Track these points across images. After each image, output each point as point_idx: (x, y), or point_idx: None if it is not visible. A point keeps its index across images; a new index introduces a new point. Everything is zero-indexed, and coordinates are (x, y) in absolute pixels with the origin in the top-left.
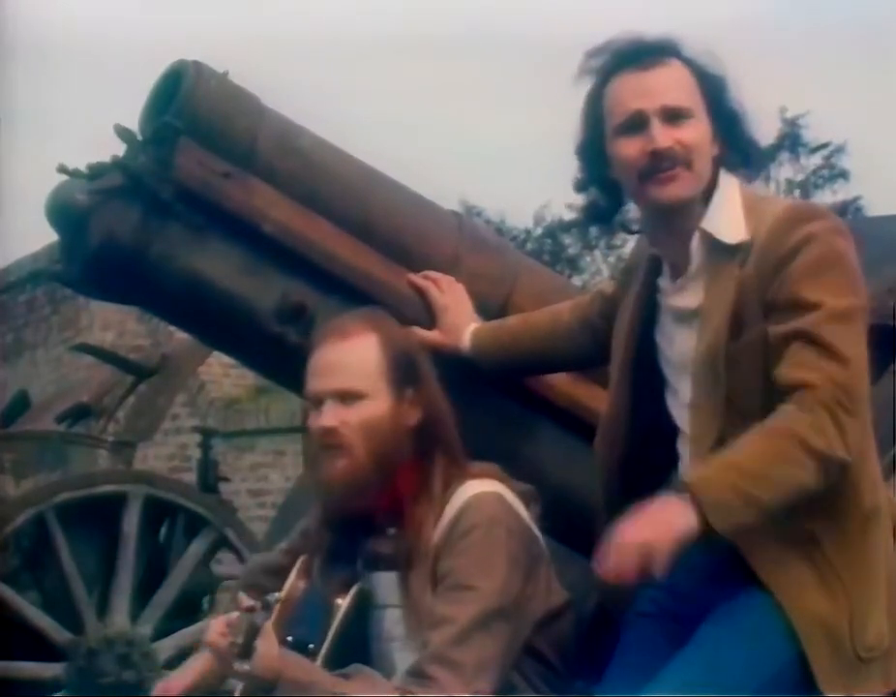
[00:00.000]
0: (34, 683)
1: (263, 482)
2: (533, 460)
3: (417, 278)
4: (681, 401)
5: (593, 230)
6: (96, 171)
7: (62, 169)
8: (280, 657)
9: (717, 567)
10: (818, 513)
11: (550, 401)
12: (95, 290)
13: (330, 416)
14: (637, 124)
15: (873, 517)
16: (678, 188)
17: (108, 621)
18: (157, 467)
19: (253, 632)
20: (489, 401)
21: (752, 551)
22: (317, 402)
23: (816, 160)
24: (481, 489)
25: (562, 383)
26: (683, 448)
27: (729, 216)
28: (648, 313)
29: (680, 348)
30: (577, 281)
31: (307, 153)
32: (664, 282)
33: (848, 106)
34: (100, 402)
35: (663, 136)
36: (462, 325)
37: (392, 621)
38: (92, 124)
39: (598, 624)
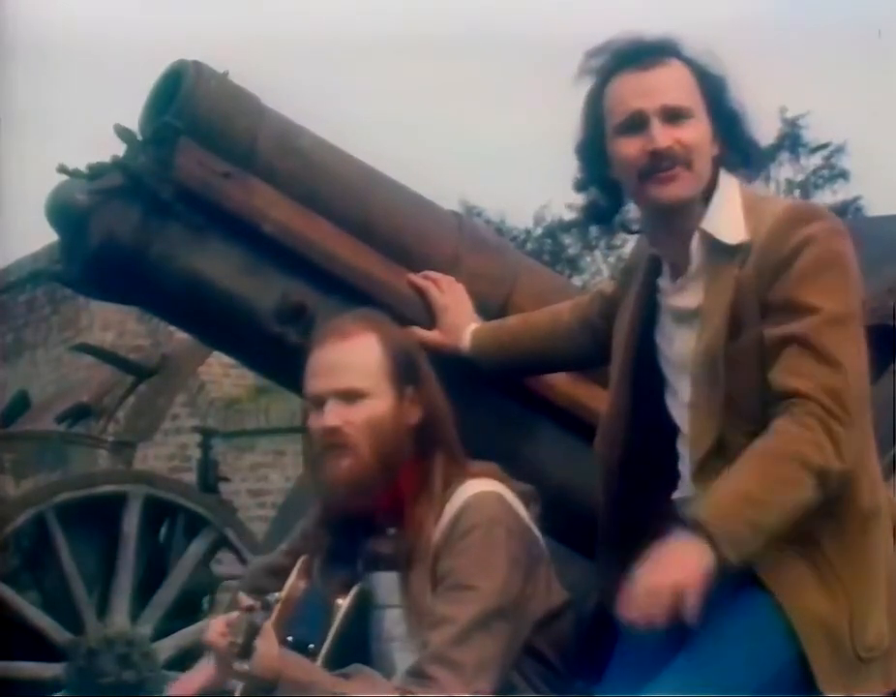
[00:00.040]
0: (34, 683)
1: (263, 482)
2: (533, 460)
3: (417, 278)
4: (681, 401)
5: (593, 230)
6: (96, 171)
7: (62, 169)
8: (280, 657)
9: None
10: (817, 514)
11: (550, 401)
12: (95, 290)
13: (333, 416)
14: (637, 124)
15: (873, 517)
16: (678, 188)
17: (108, 621)
18: (157, 467)
19: (253, 632)
20: (489, 401)
21: None
22: (319, 402)
23: (816, 160)
24: (481, 489)
25: (562, 383)
26: (683, 448)
27: (729, 216)
28: (648, 313)
29: (680, 348)
30: (577, 281)
31: (307, 153)
32: (664, 282)
33: (848, 106)
34: (100, 402)
35: (663, 135)
36: (463, 325)
37: (392, 621)
38: (92, 124)
39: (598, 624)
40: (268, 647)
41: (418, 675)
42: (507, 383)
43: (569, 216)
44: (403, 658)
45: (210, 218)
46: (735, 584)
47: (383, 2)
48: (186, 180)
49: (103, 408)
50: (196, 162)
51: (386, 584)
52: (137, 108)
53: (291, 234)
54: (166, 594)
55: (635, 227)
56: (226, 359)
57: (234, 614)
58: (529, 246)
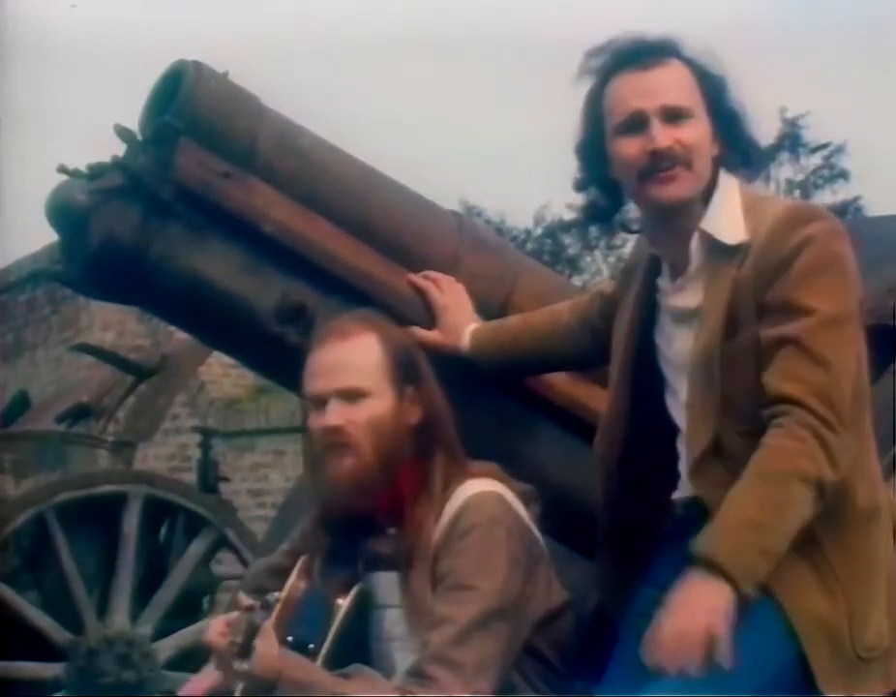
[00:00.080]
0: (34, 683)
1: (263, 482)
2: (533, 460)
3: (417, 278)
4: (680, 401)
5: (593, 230)
6: (96, 171)
7: (62, 169)
8: (279, 657)
9: None
10: (817, 515)
11: (550, 401)
12: (95, 290)
13: (335, 415)
14: (637, 124)
15: (873, 517)
16: (678, 188)
17: (108, 621)
18: (157, 467)
19: (252, 632)
20: (489, 401)
21: None
22: (320, 402)
23: (816, 160)
24: (481, 489)
25: (562, 383)
26: (683, 448)
27: (728, 216)
28: (648, 313)
29: (679, 348)
30: (577, 281)
31: (307, 153)
32: (663, 282)
33: (848, 106)
34: (100, 402)
35: (663, 135)
36: (462, 325)
37: (392, 621)
38: (92, 124)
39: (598, 624)
40: (268, 647)
41: (418, 675)
42: (507, 383)
43: (569, 216)
44: (403, 658)
45: (210, 218)
46: None
47: (383, 2)
48: (186, 180)
49: (103, 408)
50: (196, 162)
51: (386, 584)
52: (137, 108)
53: (291, 234)
54: (166, 594)
55: (635, 226)
56: (226, 359)
57: (234, 614)
58: (529, 246)
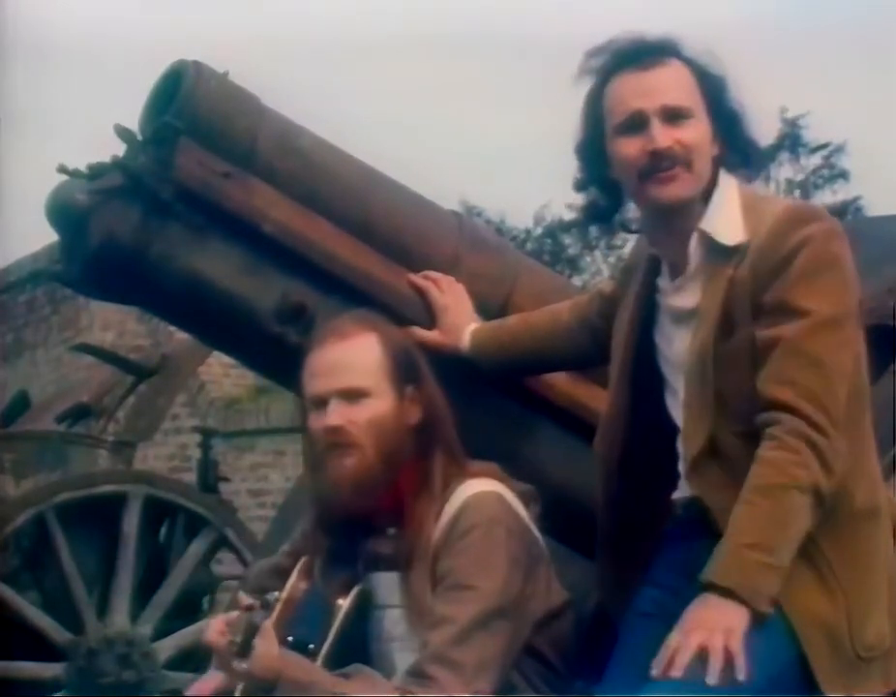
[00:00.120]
0: (34, 683)
1: (263, 482)
2: (533, 460)
3: (417, 278)
4: (680, 400)
5: (593, 230)
6: (96, 171)
7: (62, 169)
8: (279, 657)
9: None
10: (818, 520)
11: (550, 401)
12: (95, 290)
13: (336, 415)
14: (637, 124)
15: (872, 517)
16: (678, 188)
17: (108, 621)
18: (157, 467)
19: (252, 631)
20: (489, 401)
21: None
22: (321, 402)
23: (816, 160)
24: (480, 488)
25: (562, 383)
26: (681, 448)
27: (727, 217)
28: (648, 312)
29: (679, 347)
30: (577, 281)
31: (307, 153)
32: (663, 281)
33: (848, 106)
34: (100, 402)
35: (663, 135)
36: (462, 325)
37: (392, 621)
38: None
39: (598, 624)
40: (267, 646)
41: (418, 675)
42: (507, 383)
43: (569, 216)
44: (404, 658)
45: (210, 218)
46: None
47: (383, 2)
48: (186, 180)
49: (103, 408)
50: (196, 162)
51: (386, 584)
52: (137, 108)
53: (291, 234)
54: (166, 594)
55: (634, 226)
56: (226, 359)
57: (234, 613)
58: (529, 246)
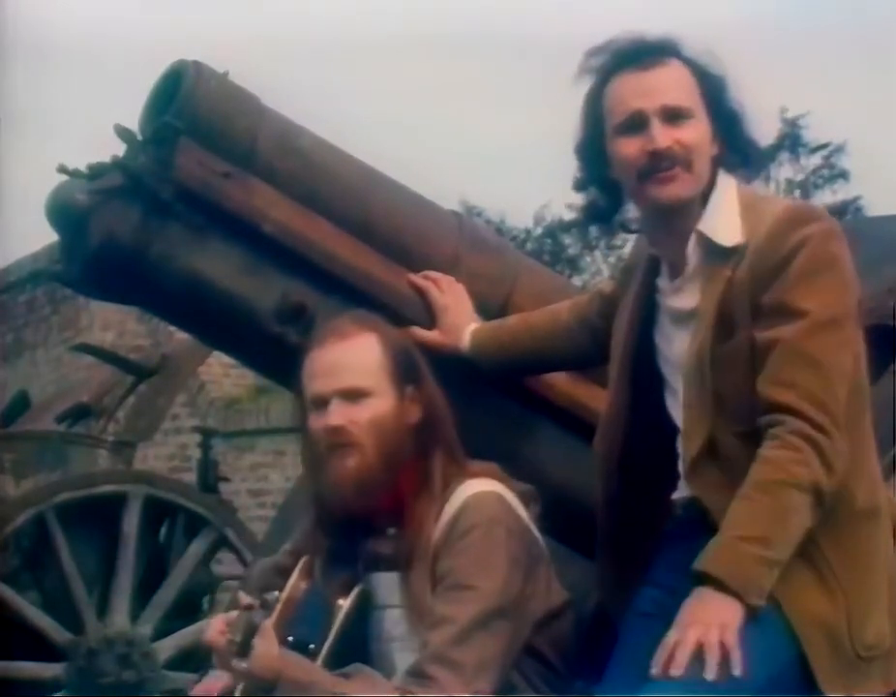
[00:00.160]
0: (34, 683)
1: (263, 482)
2: (533, 460)
3: (417, 278)
4: (680, 401)
5: (593, 230)
6: (96, 171)
7: (62, 169)
8: (279, 657)
9: None
10: (818, 519)
11: (550, 401)
12: (95, 290)
13: (337, 415)
14: (636, 124)
15: (872, 517)
16: (678, 188)
17: (108, 621)
18: (157, 467)
19: (251, 630)
20: (489, 401)
21: None
22: (321, 403)
23: (816, 160)
24: (480, 488)
25: (562, 383)
26: (681, 448)
27: (726, 218)
28: (647, 313)
29: (678, 348)
30: (577, 281)
31: (307, 153)
32: (662, 282)
33: (848, 106)
34: (100, 402)
35: (662, 136)
36: (462, 325)
37: (392, 621)
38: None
39: (598, 624)
40: (267, 646)
41: (418, 675)
42: (507, 383)
43: (569, 216)
44: (404, 658)
45: (210, 218)
46: None
47: (383, 2)
48: (186, 180)
49: (103, 408)
50: (196, 162)
51: (386, 584)
52: (137, 108)
53: (291, 234)
54: (166, 594)
55: (634, 226)
56: (226, 359)
57: (234, 613)
58: (529, 246)
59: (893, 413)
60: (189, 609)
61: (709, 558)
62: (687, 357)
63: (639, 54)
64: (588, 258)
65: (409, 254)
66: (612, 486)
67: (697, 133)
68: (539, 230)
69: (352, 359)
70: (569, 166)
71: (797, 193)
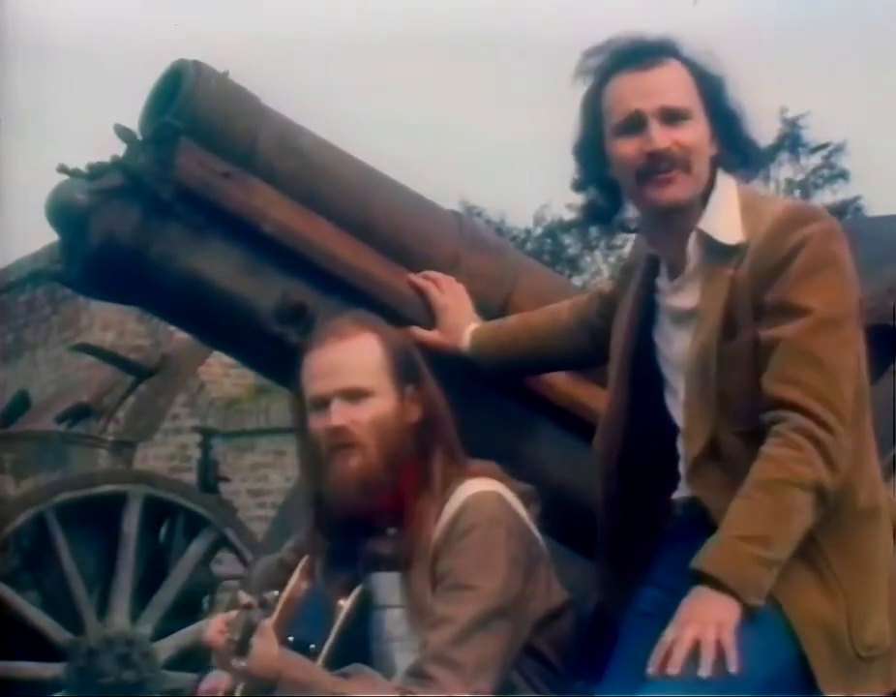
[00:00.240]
0: (34, 683)
1: (263, 482)
2: (533, 460)
3: (417, 278)
4: (680, 400)
5: (593, 230)
6: (96, 171)
7: (62, 169)
8: (279, 657)
9: None
10: (819, 518)
11: (550, 401)
12: (95, 290)
13: (338, 415)
14: (635, 124)
15: (872, 517)
16: (677, 191)
17: (108, 621)
18: (157, 467)
19: (250, 629)
20: (489, 401)
21: None
22: (322, 403)
23: (816, 160)
24: (480, 488)
25: (562, 383)
26: (681, 448)
27: (726, 217)
28: (647, 312)
29: (678, 348)
30: (577, 281)
31: (307, 153)
32: (662, 281)
33: (848, 106)
34: (100, 402)
35: (661, 136)
36: (462, 325)
37: (392, 621)
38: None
39: (598, 624)
40: (266, 645)
41: (418, 675)
42: (507, 383)
43: (569, 216)
44: (404, 658)
45: (210, 218)
46: None
47: (383, 2)
48: (186, 180)
49: (103, 408)
50: (196, 162)
51: (387, 584)
52: (137, 108)
53: (291, 234)
54: (166, 594)
55: (633, 226)
56: (226, 359)
57: (233, 612)
58: (529, 246)
59: (893, 413)
60: (189, 609)
61: (707, 556)
62: (688, 356)
63: (637, 55)
64: (588, 258)
65: (409, 254)
66: (611, 486)
67: (695, 133)
68: (539, 230)
69: (353, 359)
70: (569, 166)
71: (797, 193)
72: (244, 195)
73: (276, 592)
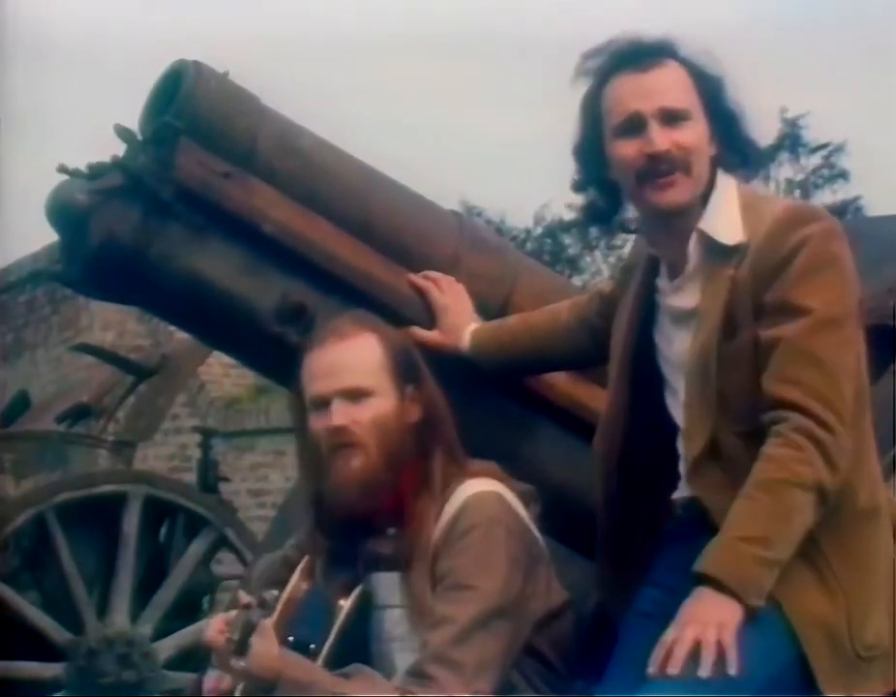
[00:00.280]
0: (34, 683)
1: (263, 482)
2: (533, 460)
3: (417, 278)
4: (680, 400)
5: (593, 230)
6: (96, 171)
7: (62, 169)
8: (279, 657)
9: None
10: (820, 518)
11: (550, 401)
12: (95, 290)
13: (339, 415)
14: (635, 125)
15: (872, 517)
16: (677, 193)
17: (108, 621)
18: (157, 467)
19: (249, 629)
20: (489, 401)
21: None
22: (322, 403)
23: (816, 160)
24: (480, 488)
25: (562, 383)
26: (681, 448)
27: (726, 217)
28: (647, 312)
29: (679, 348)
30: (577, 281)
31: (307, 153)
32: (662, 282)
33: (848, 106)
34: (100, 402)
35: (661, 138)
36: (462, 325)
37: (392, 621)
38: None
39: (598, 624)
40: (266, 645)
41: (418, 675)
42: (507, 383)
43: (569, 216)
44: (404, 658)
45: (210, 218)
46: None
47: (383, 2)
48: (186, 180)
49: (103, 408)
50: (196, 162)
51: (387, 584)
52: (137, 108)
53: (291, 234)
54: (166, 594)
55: (633, 226)
56: (226, 359)
57: (233, 612)
58: (529, 246)
59: (893, 413)
60: (189, 609)
61: (709, 558)
62: (689, 356)
63: (636, 56)
64: (588, 258)
65: (409, 254)
66: (611, 486)
67: (695, 134)
68: (539, 230)
69: (353, 359)
70: (569, 166)
71: (797, 193)
72: (244, 195)
73: (275, 592)
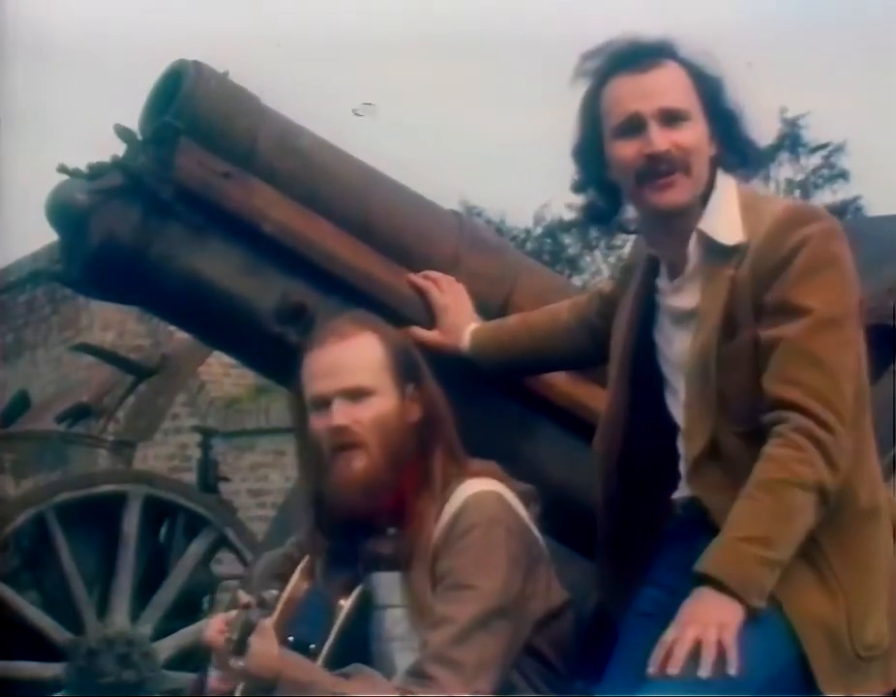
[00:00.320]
0: (34, 683)
1: (263, 482)
2: (533, 460)
3: (417, 278)
4: (680, 400)
5: (593, 230)
6: (96, 171)
7: (62, 169)
8: (279, 657)
9: None
10: (821, 518)
11: (550, 401)
12: (95, 290)
13: (340, 415)
14: (634, 126)
15: (872, 517)
16: (677, 194)
17: (108, 621)
18: (157, 467)
19: (248, 629)
20: (489, 401)
21: None
22: (323, 403)
23: (816, 160)
24: (480, 488)
25: (562, 383)
26: (682, 448)
27: (726, 217)
28: (647, 312)
29: (679, 348)
30: (577, 281)
31: (307, 153)
32: (662, 282)
33: (848, 106)
34: (100, 402)
35: (660, 138)
36: (462, 325)
37: (393, 621)
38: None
39: (598, 624)
40: (265, 645)
41: (418, 674)
42: (507, 383)
43: (569, 216)
44: (404, 658)
45: (210, 218)
46: None
47: (383, 2)
48: (186, 180)
49: (103, 408)
50: (196, 162)
51: (387, 584)
52: (137, 108)
53: (291, 234)
54: (166, 594)
55: (632, 227)
56: (226, 359)
57: (233, 612)
58: (529, 246)
59: (893, 413)
60: (189, 609)
61: (710, 559)
62: (689, 356)
63: (635, 56)
64: (588, 258)
65: (409, 254)
66: (611, 486)
67: (694, 134)
68: (539, 230)
69: (353, 359)
70: (569, 166)
71: (797, 193)
72: (244, 195)
73: (275, 592)
